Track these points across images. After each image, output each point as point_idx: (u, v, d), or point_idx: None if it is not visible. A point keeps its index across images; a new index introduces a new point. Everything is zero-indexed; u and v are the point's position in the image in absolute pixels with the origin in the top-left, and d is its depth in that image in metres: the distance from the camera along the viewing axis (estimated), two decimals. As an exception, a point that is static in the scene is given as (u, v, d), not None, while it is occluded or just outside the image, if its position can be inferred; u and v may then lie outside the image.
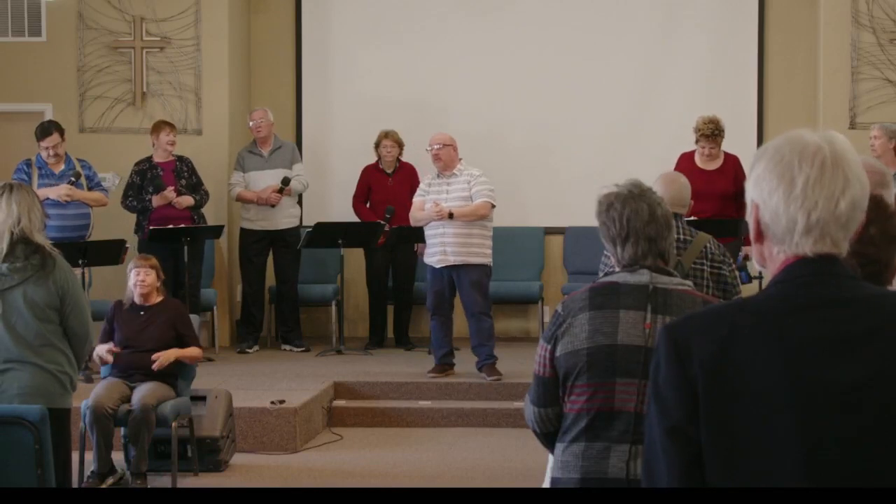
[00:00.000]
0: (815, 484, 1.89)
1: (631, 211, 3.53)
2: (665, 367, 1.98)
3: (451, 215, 8.90)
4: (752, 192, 2.03)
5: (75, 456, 6.67)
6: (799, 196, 1.97)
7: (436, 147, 9.12)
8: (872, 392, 1.90)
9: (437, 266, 9.03)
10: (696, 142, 9.24)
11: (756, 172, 2.03)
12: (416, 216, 9.27)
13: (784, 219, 1.99)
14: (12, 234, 5.28)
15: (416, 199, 9.29)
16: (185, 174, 10.24)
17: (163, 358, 7.18)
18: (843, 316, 1.95)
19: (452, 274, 9.00)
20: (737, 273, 5.27)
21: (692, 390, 1.95)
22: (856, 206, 1.99)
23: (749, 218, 2.06)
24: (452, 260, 8.95)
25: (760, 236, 2.04)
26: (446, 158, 9.11)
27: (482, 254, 9.00)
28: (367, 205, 10.83)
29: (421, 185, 9.39)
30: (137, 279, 7.37)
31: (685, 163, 9.22)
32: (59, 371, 5.36)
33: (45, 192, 9.10)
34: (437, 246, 9.00)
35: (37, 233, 5.33)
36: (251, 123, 10.73)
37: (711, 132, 9.13)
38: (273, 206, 10.54)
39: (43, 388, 5.27)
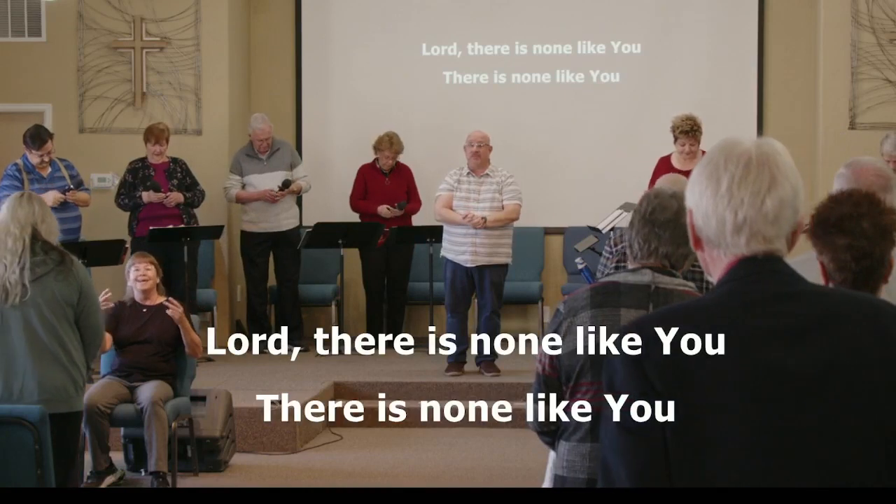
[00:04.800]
0: (776, 475, 1.89)
1: (658, 204, 3.57)
2: (622, 367, 1.97)
3: (484, 220, 8.98)
4: (687, 198, 2.07)
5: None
6: (725, 195, 2.00)
7: (476, 145, 9.13)
8: (828, 380, 1.92)
9: (466, 265, 9.05)
10: (675, 140, 9.27)
11: (691, 178, 2.07)
12: (444, 215, 9.17)
13: (714, 220, 2.01)
14: (31, 234, 5.37)
15: (442, 194, 9.18)
16: (177, 175, 10.24)
17: (176, 311, 7.18)
18: (793, 308, 1.96)
19: (474, 272, 9.07)
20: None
21: (650, 388, 1.93)
22: (784, 204, 2.00)
23: (687, 224, 2.09)
24: (483, 261, 9.04)
25: (698, 242, 2.07)
26: (485, 157, 9.15)
27: (506, 253, 9.15)
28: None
29: (447, 180, 9.24)
30: (138, 274, 7.37)
31: (663, 166, 9.20)
32: (75, 371, 5.41)
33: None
34: (468, 246, 9.04)
35: (51, 237, 5.48)
36: (250, 130, 10.69)
37: (690, 128, 9.17)
38: (275, 202, 10.53)
39: (62, 390, 5.31)
